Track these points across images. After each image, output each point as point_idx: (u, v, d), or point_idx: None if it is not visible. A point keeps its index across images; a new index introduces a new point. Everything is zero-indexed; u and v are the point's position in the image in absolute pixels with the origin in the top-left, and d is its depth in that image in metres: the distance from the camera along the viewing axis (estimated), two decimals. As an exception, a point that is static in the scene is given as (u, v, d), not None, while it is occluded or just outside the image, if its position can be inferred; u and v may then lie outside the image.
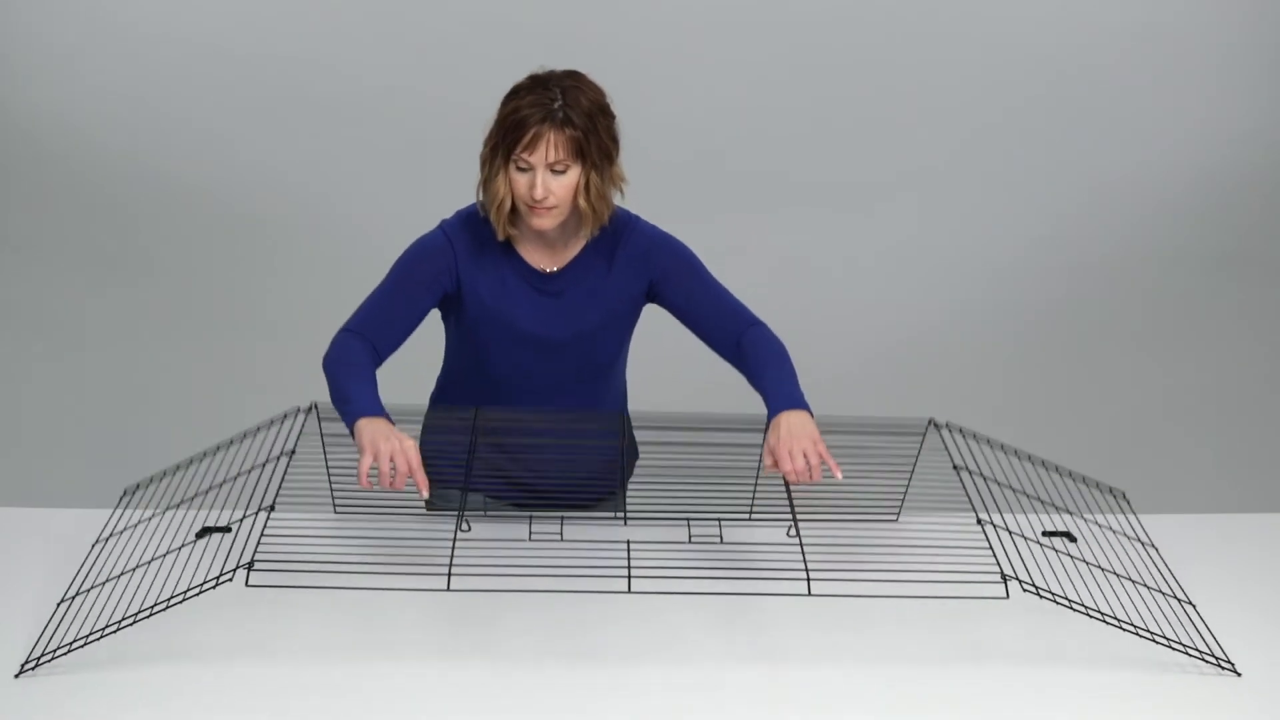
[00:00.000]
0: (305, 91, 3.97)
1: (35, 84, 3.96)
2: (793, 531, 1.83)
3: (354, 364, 2.05)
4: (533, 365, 2.21)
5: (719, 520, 1.93)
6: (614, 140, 2.09)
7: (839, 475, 1.89)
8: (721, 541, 1.87)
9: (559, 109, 2.02)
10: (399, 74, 3.96)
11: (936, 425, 2.11)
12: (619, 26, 3.87)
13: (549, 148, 2.02)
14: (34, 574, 2.01)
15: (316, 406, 2.16)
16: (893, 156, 4.04)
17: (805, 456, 1.90)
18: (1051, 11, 3.98)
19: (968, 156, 4.05)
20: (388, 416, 1.94)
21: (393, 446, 1.87)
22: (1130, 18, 3.97)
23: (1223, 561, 2.12)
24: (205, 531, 2.18)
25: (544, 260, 2.18)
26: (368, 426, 1.91)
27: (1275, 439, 4.18)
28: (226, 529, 2.14)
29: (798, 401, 2.00)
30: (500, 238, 2.13)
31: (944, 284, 4.11)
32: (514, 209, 2.12)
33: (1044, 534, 2.23)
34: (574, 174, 2.05)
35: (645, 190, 4.43)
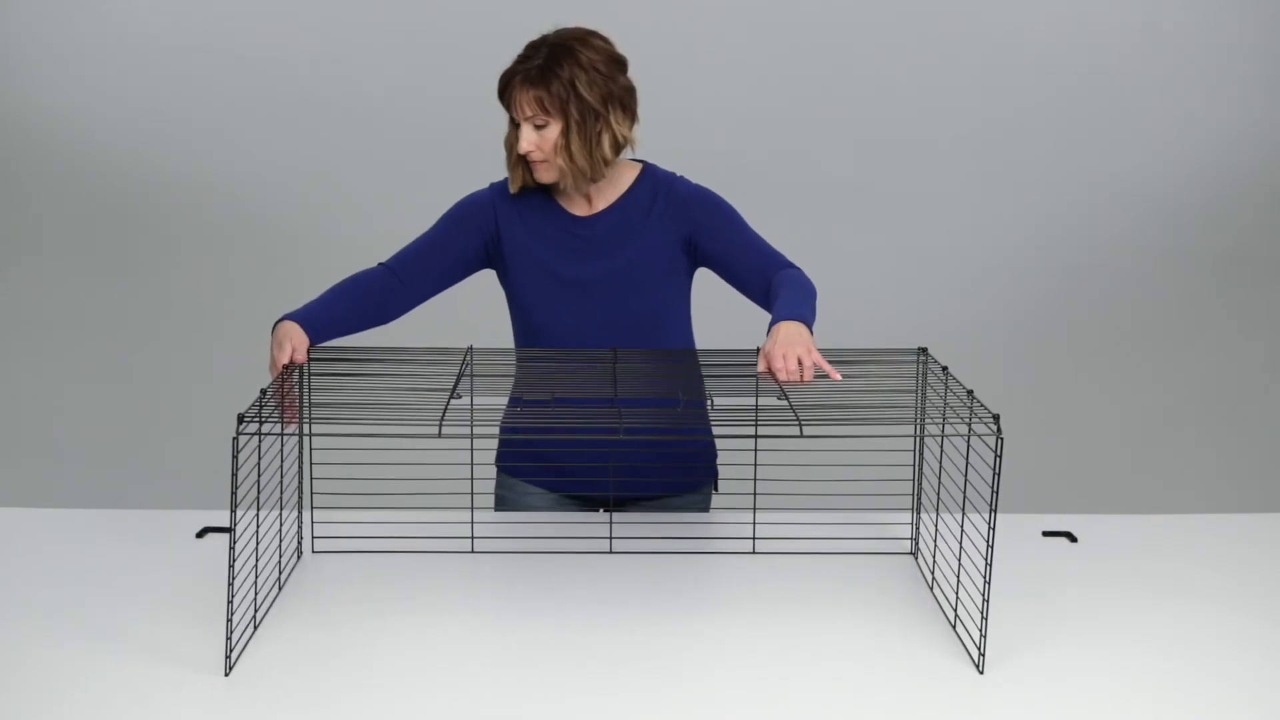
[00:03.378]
0: (306, 90, 3.97)
1: (35, 84, 3.96)
2: (781, 396, 1.85)
3: (342, 284, 2.22)
4: (572, 313, 2.25)
5: (709, 395, 1.93)
6: (608, 99, 2.16)
7: (837, 377, 1.88)
8: (713, 407, 1.87)
9: (532, 68, 2.13)
10: (401, 73, 3.96)
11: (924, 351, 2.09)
12: (621, 28, 3.86)
13: (521, 104, 2.14)
14: (34, 574, 2.02)
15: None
16: (890, 156, 4.04)
17: (799, 361, 1.88)
18: (1051, 12, 3.98)
19: (964, 156, 4.05)
20: (308, 325, 2.09)
21: (272, 357, 2.05)
22: (1129, 18, 3.97)
23: (1223, 562, 2.12)
24: (205, 531, 2.19)
25: (581, 208, 2.27)
26: (274, 333, 2.09)
27: (1274, 439, 4.19)
28: (227, 529, 2.14)
29: (800, 315, 2.00)
30: (513, 189, 2.24)
31: (941, 284, 4.11)
32: None
33: (1044, 534, 2.23)
34: (554, 129, 2.15)
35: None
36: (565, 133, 2.14)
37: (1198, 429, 4.18)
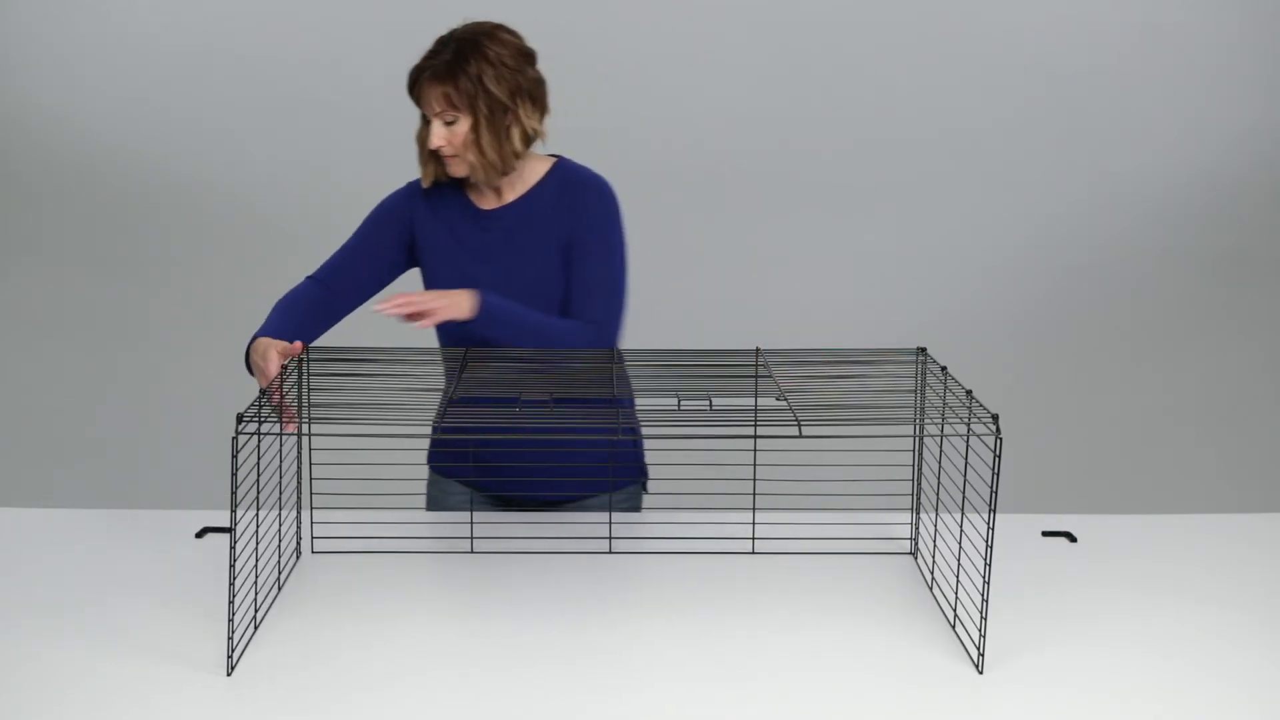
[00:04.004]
0: (307, 90, 3.97)
1: (35, 84, 3.96)
2: (781, 397, 1.86)
3: (281, 304, 2.24)
4: None
5: (708, 394, 1.92)
6: (517, 94, 2.18)
7: (389, 310, 1.99)
8: (711, 408, 1.86)
9: (440, 64, 2.16)
10: (401, 73, 3.95)
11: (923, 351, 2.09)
12: (620, 28, 3.87)
13: (430, 100, 2.17)
14: (34, 574, 2.02)
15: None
16: (890, 156, 4.04)
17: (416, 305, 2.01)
18: (1050, 12, 3.98)
19: (964, 156, 4.05)
20: (282, 337, 2.12)
21: (260, 369, 2.03)
22: (1128, 18, 3.97)
23: (1223, 562, 2.12)
24: (205, 531, 2.19)
25: (490, 202, 2.29)
26: (252, 352, 2.08)
27: (1274, 439, 4.18)
28: (227, 529, 2.15)
29: (486, 298, 2.08)
30: (425, 184, 2.28)
31: (941, 284, 4.11)
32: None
33: (1044, 534, 2.23)
34: (464, 124, 2.17)
35: (647, 189, 4.43)
36: (475, 128, 2.16)
37: (1198, 429, 4.18)
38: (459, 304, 2.07)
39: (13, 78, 3.95)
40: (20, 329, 4.11)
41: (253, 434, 1.75)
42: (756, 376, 1.95)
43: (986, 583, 1.73)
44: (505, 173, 2.22)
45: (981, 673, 1.72)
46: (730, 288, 4.05)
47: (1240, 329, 4.16)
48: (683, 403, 1.86)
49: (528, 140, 2.21)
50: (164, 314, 4.10)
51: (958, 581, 1.87)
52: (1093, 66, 3.99)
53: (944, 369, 1.97)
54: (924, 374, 2.04)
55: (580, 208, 2.23)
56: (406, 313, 2.02)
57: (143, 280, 4.08)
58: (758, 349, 2.04)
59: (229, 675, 1.69)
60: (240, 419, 1.72)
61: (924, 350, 2.06)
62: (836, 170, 4.04)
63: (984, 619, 1.72)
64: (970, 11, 3.97)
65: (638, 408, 1.95)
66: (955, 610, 1.85)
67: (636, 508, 2.39)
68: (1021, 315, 4.13)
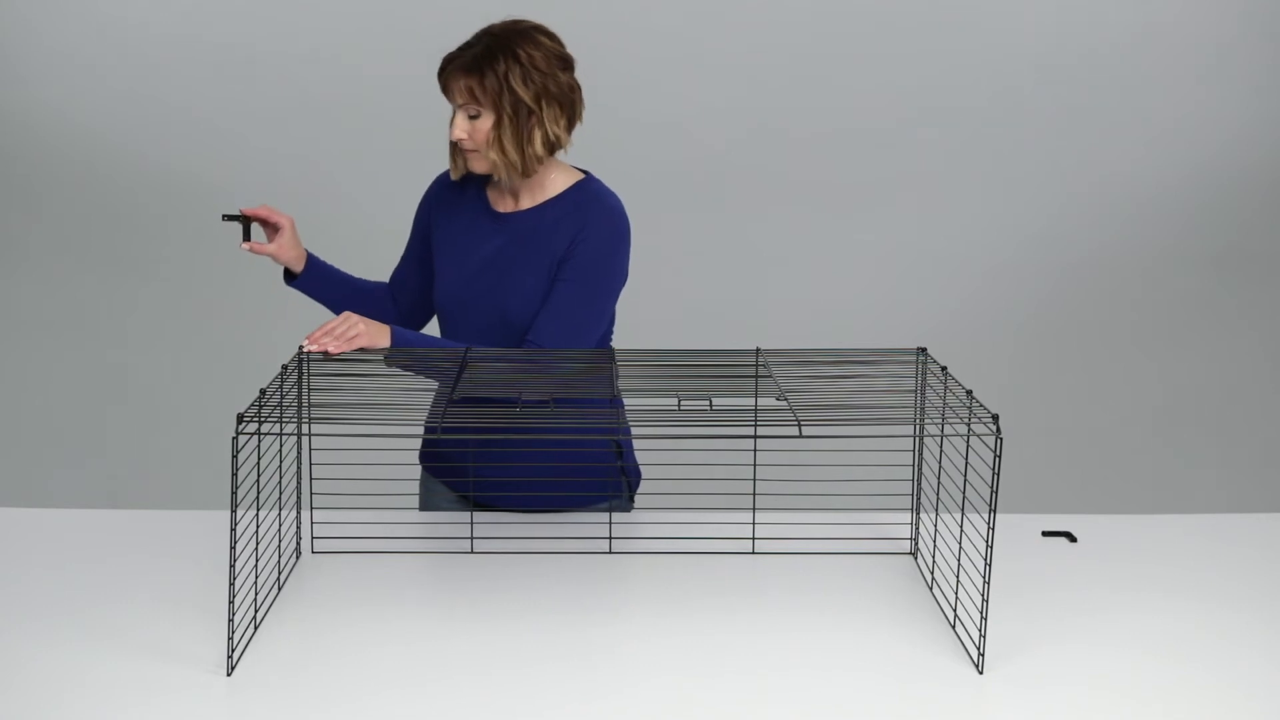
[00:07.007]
0: (309, 88, 3.97)
1: (36, 80, 3.96)
2: (781, 397, 1.85)
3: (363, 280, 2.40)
4: (456, 308, 2.25)
5: (709, 395, 1.91)
6: (543, 96, 2.13)
7: (310, 346, 1.99)
8: (711, 408, 1.85)
9: (469, 56, 2.12)
10: (401, 72, 3.95)
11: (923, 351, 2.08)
12: (620, 27, 3.87)
13: (454, 91, 2.14)
14: (34, 574, 2.02)
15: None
16: (889, 156, 4.04)
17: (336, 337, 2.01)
18: (1049, 11, 3.98)
19: (962, 156, 4.05)
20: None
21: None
22: (1126, 17, 3.98)
23: (1223, 562, 2.12)
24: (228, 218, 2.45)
25: (507, 205, 2.26)
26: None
27: (1274, 439, 4.18)
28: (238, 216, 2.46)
29: (394, 331, 2.07)
30: (454, 176, 2.25)
31: (941, 284, 4.11)
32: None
33: (1044, 534, 2.23)
34: (487, 121, 2.14)
35: (647, 188, 4.43)
36: (497, 125, 2.13)
37: (1198, 429, 4.18)
38: (380, 334, 2.05)
39: (13, 74, 3.95)
40: (20, 328, 4.11)
41: (253, 434, 1.75)
42: (756, 376, 1.95)
43: (986, 583, 1.73)
44: (526, 174, 2.17)
45: (981, 673, 1.72)
46: (730, 288, 4.05)
47: (1240, 328, 4.16)
48: (683, 403, 1.86)
49: (550, 146, 2.16)
50: (165, 313, 4.10)
51: (958, 581, 1.87)
52: (1092, 66, 4.00)
53: (944, 369, 1.97)
54: (924, 374, 2.04)
55: (581, 226, 2.18)
56: (336, 348, 1.99)
57: (143, 279, 4.08)
58: (758, 349, 2.04)
59: (229, 675, 1.69)
60: (240, 419, 1.72)
61: (924, 350, 2.06)
62: (836, 170, 4.04)
63: (984, 619, 1.72)
64: (969, 11, 3.97)
65: (629, 411, 1.92)
66: (955, 610, 1.85)
67: (627, 509, 2.37)
68: (1021, 315, 4.13)
